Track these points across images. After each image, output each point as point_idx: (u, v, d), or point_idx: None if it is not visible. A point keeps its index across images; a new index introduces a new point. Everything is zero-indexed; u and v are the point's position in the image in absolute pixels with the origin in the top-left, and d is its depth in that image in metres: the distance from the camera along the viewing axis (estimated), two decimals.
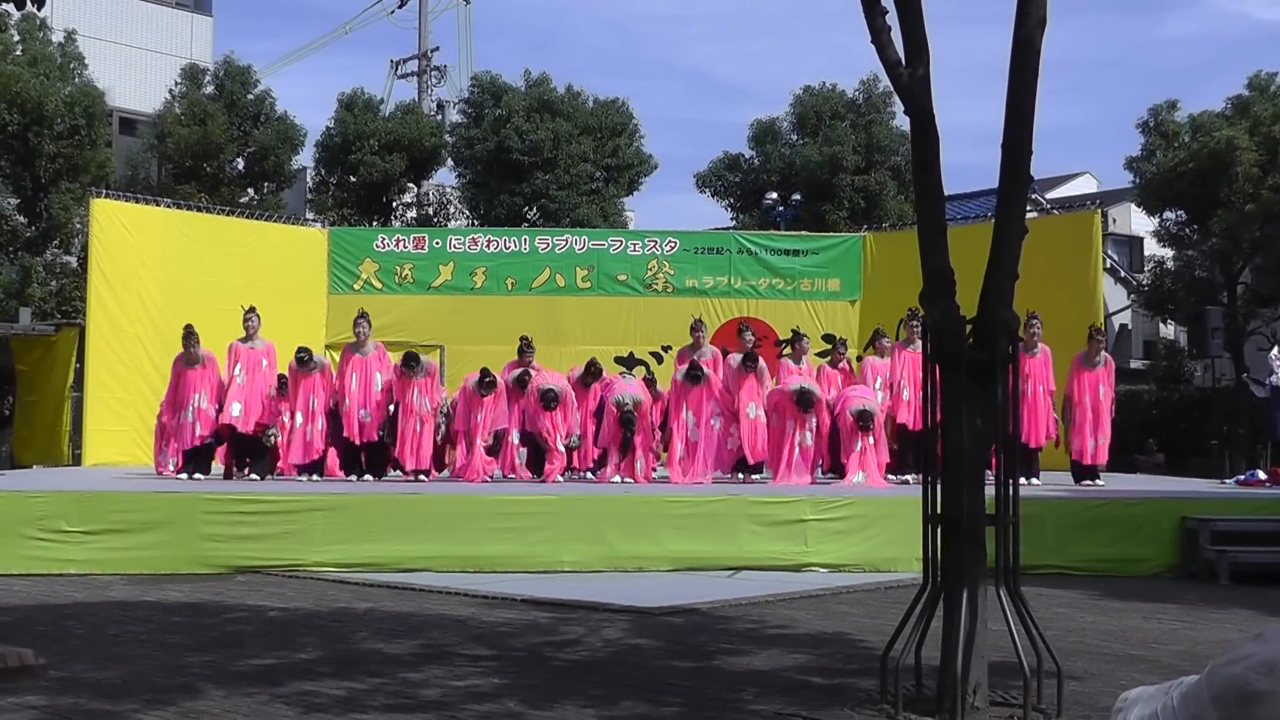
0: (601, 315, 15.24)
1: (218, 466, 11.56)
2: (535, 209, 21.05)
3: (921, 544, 4.96)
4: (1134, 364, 25.10)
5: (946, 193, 5.26)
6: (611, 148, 21.67)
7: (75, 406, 14.81)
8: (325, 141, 21.76)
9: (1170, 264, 21.13)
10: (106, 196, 15.12)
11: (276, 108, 20.98)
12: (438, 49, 30.82)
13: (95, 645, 6.09)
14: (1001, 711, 4.69)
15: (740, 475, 11.51)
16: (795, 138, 22.08)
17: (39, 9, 5.50)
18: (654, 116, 68.23)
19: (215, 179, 19.96)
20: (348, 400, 11.11)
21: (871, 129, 21.10)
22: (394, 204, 22.31)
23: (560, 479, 10.99)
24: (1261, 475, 12.26)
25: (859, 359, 13.40)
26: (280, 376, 11.31)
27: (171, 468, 11.25)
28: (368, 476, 11.30)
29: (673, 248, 16.24)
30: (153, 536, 8.89)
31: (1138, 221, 26.79)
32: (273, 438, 11.26)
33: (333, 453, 11.52)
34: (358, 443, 11.17)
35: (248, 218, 16.47)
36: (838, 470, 11.22)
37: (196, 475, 11.03)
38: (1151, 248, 23.88)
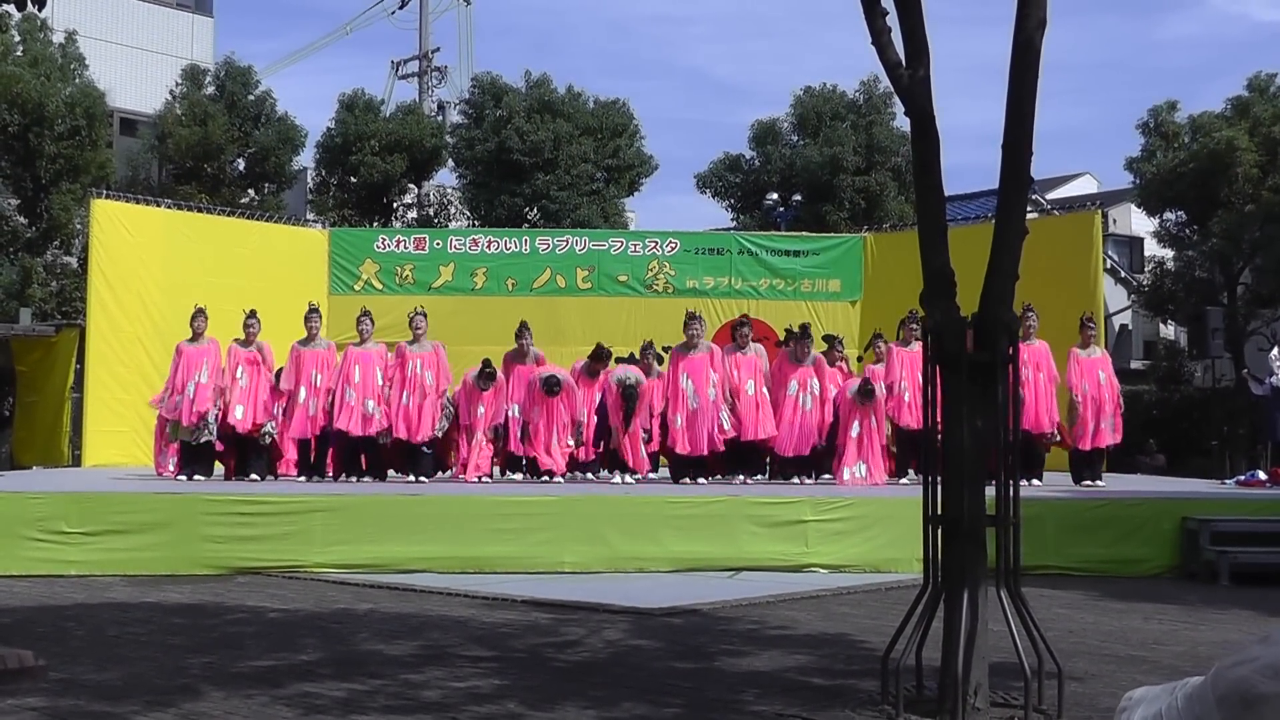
0: (602, 316, 15.24)
1: (217, 468, 11.57)
2: (536, 210, 21.07)
3: (922, 545, 4.95)
4: (1134, 364, 25.11)
5: (947, 193, 5.26)
6: (612, 148, 21.68)
7: (75, 407, 14.81)
8: (326, 142, 21.78)
9: (1170, 264, 21.14)
10: (107, 197, 15.13)
11: (277, 108, 21.02)
12: (438, 50, 30.91)
13: (95, 647, 6.09)
14: (1002, 712, 4.69)
15: (741, 477, 11.51)
16: (796, 138, 22.09)
17: (40, 9, 5.50)
18: (654, 117, 68.35)
19: (216, 180, 19.98)
20: (351, 392, 11.10)
21: (872, 130, 21.12)
22: (394, 205, 22.33)
23: (560, 479, 10.98)
24: (1262, 476, 12.26)
25: (859, 359, 13.40)
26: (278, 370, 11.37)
27: (171, 467, 11.27)
28: (367, 477, 11.30)
29: (673, 248, 16.25)
30: (153, 538, 8.88)
31: (1138, 222, 26.81)
32: (268, 437, 11.27)
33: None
34: (359, 433, 11.12)
35: (248, 218, 16.48)
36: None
37: (197, 476, 11.04)
38: (1151, 248, 23.91)
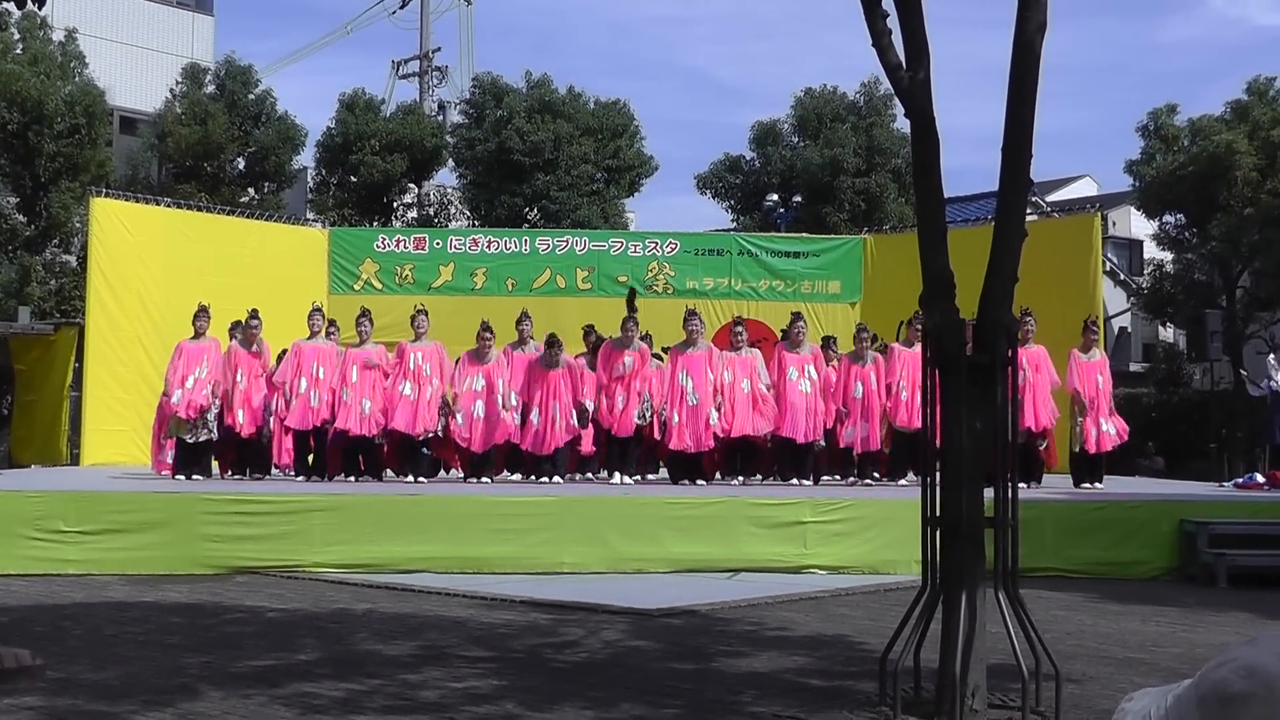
0: (602, 316, 15.22)
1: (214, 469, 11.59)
2: (536, 210, 21.08)
3: (920, 546, 4.96)
4: (1133, 367, 25.13)
5: (947, 195, 5.26)
6: (612, 149, 21.70)
7: (74, 406, 14.80)
8: (326, 142, 21.79)
9: (1169, 267, 21.16)
10: (106, 196, 15.12)
11: (277, 108, 21.04)
12: (439, 50, 30.89)
13: (93, 646, 6.08)
14: (1000, 714, 4.69)
15: (741, 478, 11.52)
16: (796, 140, 22.12)
17: (39, 8, 5.49)
18: (655, 118, 68.36)
19: (216, 179, 19.99)
20: (348, 391, 11.11)
21: (872, 131, 21.14)
22: (394, 204, 22.34)
23: (559, 479, 10.98)
24: (1260, 478, 12.26)
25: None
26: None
27: (170, 459, 11.27)
28: (366, 477, 11.30)
29: (673, 249, 16.25)
30: (151, 537, 8.88)
31: (1137, 225, 26.83)
32: (266, 437, 11.28)
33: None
34: (357, 433, 11.13)
35: (248, 218, 16.49)
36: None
37: (195, 476, 11.04)
38: (1151, 251, 23.92)
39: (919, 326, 10.85)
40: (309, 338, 11.47)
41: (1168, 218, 20.95)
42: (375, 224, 21.14)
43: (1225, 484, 12.96)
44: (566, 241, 16.41)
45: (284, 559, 8.92)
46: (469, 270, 15.99)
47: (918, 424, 9.32)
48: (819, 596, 8.11)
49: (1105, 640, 6.63)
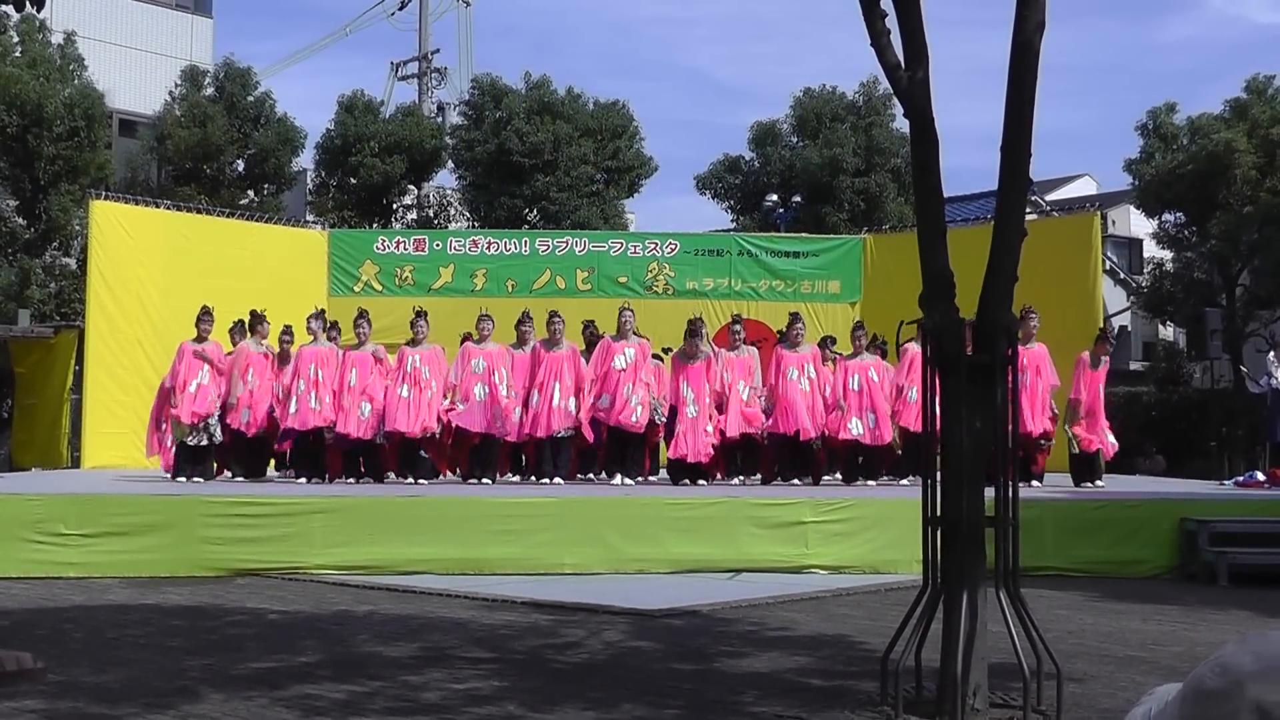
0: (602, 317, 15.25)
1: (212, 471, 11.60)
2: (535, 211, 21.08)
3: (921, 546, 4.96)
4: (1133, 366, 25.14)
5: (946, 195, 5.26)
6: (612, 150, 21.70)
7: (74, 409, 14.80)
8: (325, 143, 21.78)
9: (1169, 266, 21.16)
10: (106, 198, 15.12)
11: (276, 109, 21.03)
12: (438, 51, 30.91)
13: (94, 649, 6.08)
14: (1001, 713, 4.69)
15: (741, 479, 11.54)
16: (795, 140, 22.12)
17: (38, 10, 5.50)
18: (655, 118, 68.40)
19: (215, 181, 19.99)
20: (347, 396, 11.13)
21: (871, 131, 21.14)
22: (394, 206, 22.33)
23: (559, 481, 10.98)
24: (1260, 476, 12.27)
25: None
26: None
27: (169, 446, 11.28)
28: (366, 479, 11.30)
29: (673, 250, 16.25)
30: (152, 539, 8.88)
31: (1137, 223, 26.84)
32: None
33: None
34: (354, 436, 11.13)
35: (248, 220, 16.47)
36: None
37: (195, 479, 11.04)
38: (1150, 250, 23.92)
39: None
40: (311, 342, 11.50)
41: (1167, 216, 20.95)
42: (375, 226, 21.14)
43: (1226, 482, 12.96)
44: (566, 242, 16.41)
45: (285, 561, 8.92)
46: (469, 272, 15.99)
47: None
48: (820, 596, 8.11)
49: (1106, 639, 6.63)
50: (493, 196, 21.09)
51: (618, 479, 11.12)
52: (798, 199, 21.69)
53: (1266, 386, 13.79)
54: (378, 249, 16.16)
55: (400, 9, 31.33)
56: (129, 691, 5.08)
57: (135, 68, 23.15)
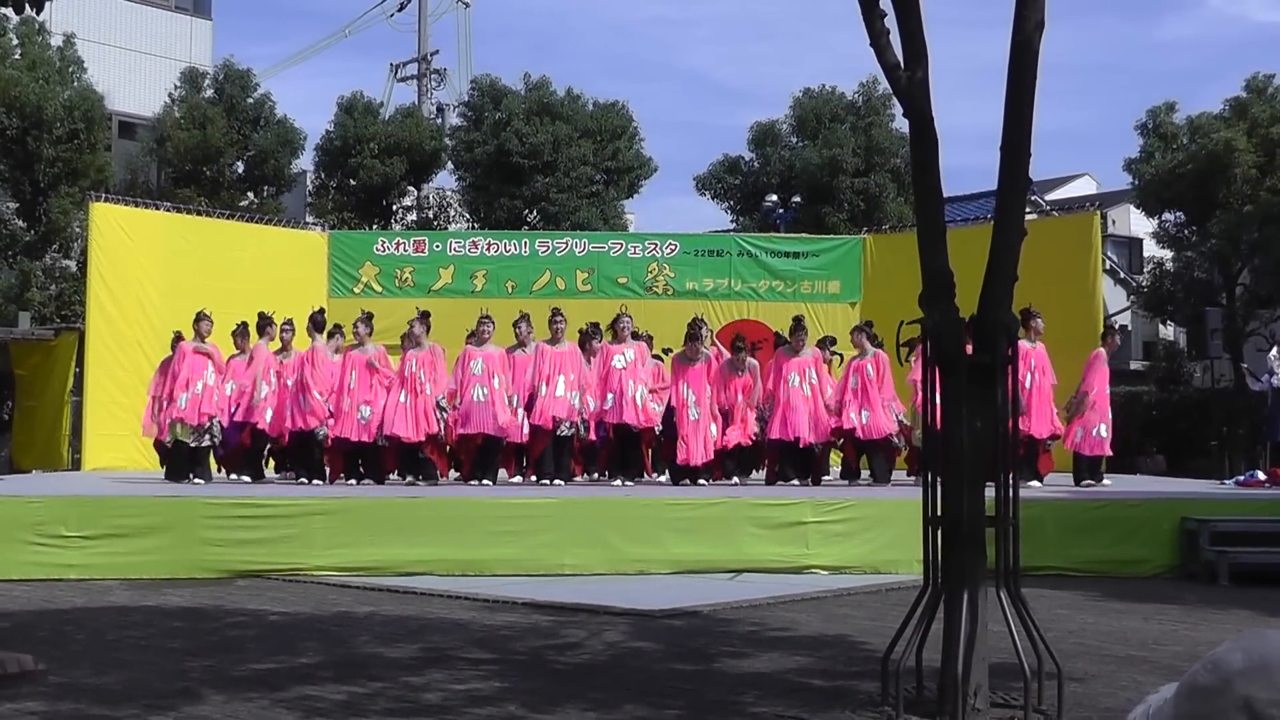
0: (602, 318, 15.24)
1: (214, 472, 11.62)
2: (535, 212, 21.08)
3: (922, 546, 4.96)
4: (1134, 365, 25.12)
5: (946, 195, 5.27)
6: (611, 150, 21.69)
7: (75, 411, 14.80)
8: (325, 145, 21.78)
9: (1169, 265, 21.15)
10: (106, 200, 15.13)
11: (276, 111, 21.02)
12: (437, 52, 30.88)
13: (95, 650, 6.08)
14: (1002, 713, 4.69)
15: (737, 479, 11.54)
16: (795, 140, 22.11)
17: (38, 12, 5.49)
18: (654, 119, 68.37)
19: (215, 183, 19.98)
20: (347, 399, 11.13)
21: (871, 131, 21.13)
22: (394, 207, 22.33)
23: (560, 483, 10.98)
24: (1261, 476, 12.27)
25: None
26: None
27: (166, 428, 11.31)
28: (367, 481, 11.30)
29: (673, 250, 16.25)
30: (152, 541, 8.87)
31: (1137, 223, 26.83)
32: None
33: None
34: (352, 439, 11.14)
35: (247, 221, 16.48)
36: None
37: (197, 480, 11.06)
38: (1150, 249, 23.92)
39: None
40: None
41: (1167, 216, 20.94)
42: (375, 227, 21.13)
43: (1226, 481, 12.96)
44: (566, 243, 16.41)
45: (286, 562, 8.92)
46: (469, 273, 15.99)
47: None
48: (821, 597, 8.11)
49: (1107, 639, 6.63)
50: (492, 198, 21.09)
51: (618, 480, 11.13)
52: (797, 199, 21.69)
53: (1267, 385, 13.79)
54: (378, 250, 16.17)
55: (399, 10, 31.33)
56: (130, 693, 5.08)
57: (135, 70, 23.14)
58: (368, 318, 11.58)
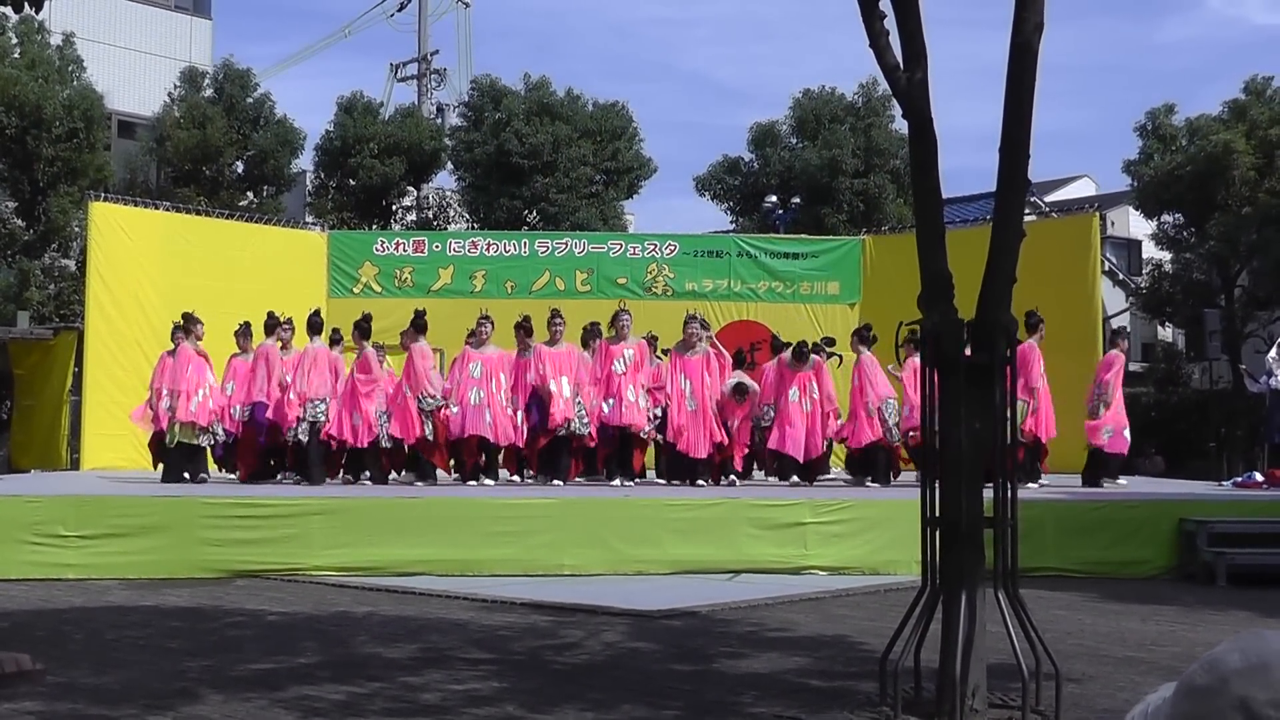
0: (601, 318, 15.26)
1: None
2: (535, 212, 21.07)
3: (920, 547, 4.96)
4: (1132, 367, 25.09)
5: (945, 196, 5.27)
6: (611, 151, 21.69)
7: (73, 410, 14.79)
8: (325, 145, 21.77)
9: (1168, 267, 21.17)
10: (105, 200, 15.12)
11: (276, 111, 21.01)
12: (437, 52, 30.86)
13: (93, 650, 6.08)
14: (1000, 714, 4.69)
15: (735, 479, 11.55)
16: (795, 141, 22.11)
17: (37, 11, 5.49)
18: (654, 119, 68.34)
19: (214, 182, 19.97)
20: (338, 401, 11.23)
21: (871, 132, 21.14)
22: (394, 207, 22.32)
23: (560, 483, 10.98)
24: (1259, 477, 12.27)
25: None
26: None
27: (166, 421, 11.32)
28: (366, 481, 11.30)
29: (672, 251, 16.26)
30: (151, 541, 8.87)
31: (1136, 224, 26.84)
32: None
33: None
34: (350, 442, 11.14)
35: (247, 221, 16.48)
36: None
37: (202, 477, 11.10)
38: (1149, 250, 23.92)
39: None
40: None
41: (1166, 217, 20.95)
42: (374, 227, 21.13)
43: (1224, 483, 12.97)
44: (565, 244, 16.41)
45: (284, 562, 8.92)
46: (468, 273, 15.99)
47: None
48: (819, 597, 8.11)
49: (1105, 639, 6.63)
50: (492, 198, 21.09)
51: (617, 480, 11.13)
52: (797, 200, 21.69)
53: (1265, 386, 13.80)
54: (377, 250, 16.16)
55: (399, 10, 31.32)
56: (128, 693, 5.08)
57: (134, 69, 23.14)
58: (362, 324, 11.59)
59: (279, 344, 11.56)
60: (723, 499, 9.63)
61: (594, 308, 15.22)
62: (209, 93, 20.86)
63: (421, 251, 16.20)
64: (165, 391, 11.41)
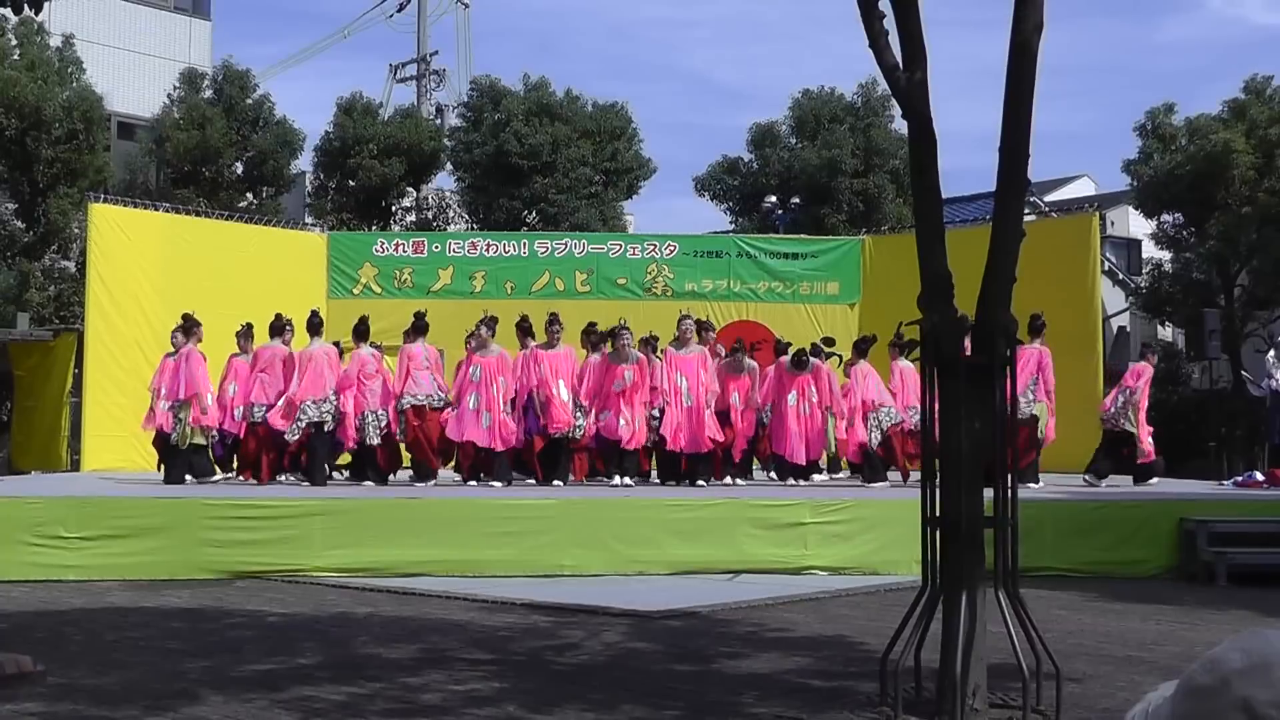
0: (601, 319, 15.27)
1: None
2: (534, 213, 21.07)
3: (920, 547, 4.96)
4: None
5: (945, 196, 5.27)
6: (610, 151, 21.69)
7: (74, 412, 14.80)
8: (324, 146, 21.76)
9: (1168, 266, 21.15)
10: (105, 201, 15.12)
11: (275, 112, 21.00)
12: (437, 53, 30.91)
13: (94, 651, 6.08)
14: (1001, 713, 4.69)
15: (735, 480, 11.56)
16: (794, 141, 22.10)
17: (37, 13, 5.49)
18: (653, 120, 68.39)
19: (214, 183, 19.96)
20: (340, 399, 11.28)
21: (870, 132, 21.14)
22: (393, 208, 22.32)
23: (558, 484, 10.99)
24: (1259, 477, 12.28)
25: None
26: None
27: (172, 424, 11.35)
28: (368, 481, 11.30)
29: (672, 251, 16.26)
30: (152, 542, 8.87)
31: (1135, 224, 26.82)
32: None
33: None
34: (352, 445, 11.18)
35: (247, 222, 16.48)
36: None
37: (227, 478, 11.15)
38: (1149, 250, 23.91)
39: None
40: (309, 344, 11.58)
41: (1166, 217, 20.93)
42: (374, 228, 21.13)
43: (1225, 482, 12.97)
44: (565, 244, 16.41)
45: (285, 563, 8.92)
46: (468, 273, 15.99)
47: None
48: (819, 597, 8.11)
49: (1105, 639, 6.63)
50: (491, 198, 21.08)
51: (616, 480, 11.13)
52: (796, 200, 21.68)
53: (1266, 389, 13.81)
54: (377, 251, 16.17)
55: (399, 11, 31.35)
56: (129, 694, 5.08)
57: (134, 70, 23.13)
58: (359, 327, 11.61)
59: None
60: (723, 499, 9.63)
61: (594, 308, 15.23)
62: (208, 94, 20.86)
63: (421, 252, 16.20)
64: (164, 391, 11.42)
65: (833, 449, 12.27)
